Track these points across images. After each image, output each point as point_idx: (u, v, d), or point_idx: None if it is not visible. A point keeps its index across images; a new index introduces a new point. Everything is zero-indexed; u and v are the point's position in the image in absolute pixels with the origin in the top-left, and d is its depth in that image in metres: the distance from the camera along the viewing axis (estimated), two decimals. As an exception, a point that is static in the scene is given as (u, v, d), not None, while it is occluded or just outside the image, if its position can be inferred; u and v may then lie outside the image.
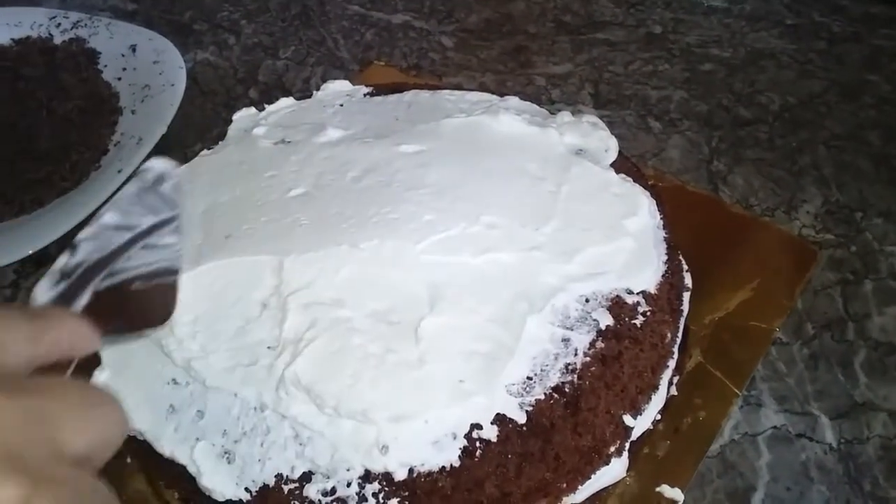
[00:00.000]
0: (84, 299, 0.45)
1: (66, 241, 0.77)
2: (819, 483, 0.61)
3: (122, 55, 1.00)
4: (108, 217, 0.49)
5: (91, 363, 0.56)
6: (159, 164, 0.52)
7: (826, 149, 0.88)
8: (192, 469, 0.51)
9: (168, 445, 0.52)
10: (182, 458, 0.51)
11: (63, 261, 0.45)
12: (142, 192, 0.52)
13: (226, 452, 0.51)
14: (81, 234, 0.47)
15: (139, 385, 0.54)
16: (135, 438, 0.54)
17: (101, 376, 0.55)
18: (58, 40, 1.05)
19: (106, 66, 1.01)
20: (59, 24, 1.06)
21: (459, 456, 0.49)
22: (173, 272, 0.50)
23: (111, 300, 0.46)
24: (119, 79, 0.98)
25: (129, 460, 0.60)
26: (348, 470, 0.49)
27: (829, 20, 1.07)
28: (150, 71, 0.96)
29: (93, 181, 0.84)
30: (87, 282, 0.46)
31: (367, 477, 0.49)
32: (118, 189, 0.79)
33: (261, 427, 0.50)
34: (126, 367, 0.56)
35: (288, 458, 0.50)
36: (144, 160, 0.83)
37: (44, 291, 0.44)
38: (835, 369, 0.68)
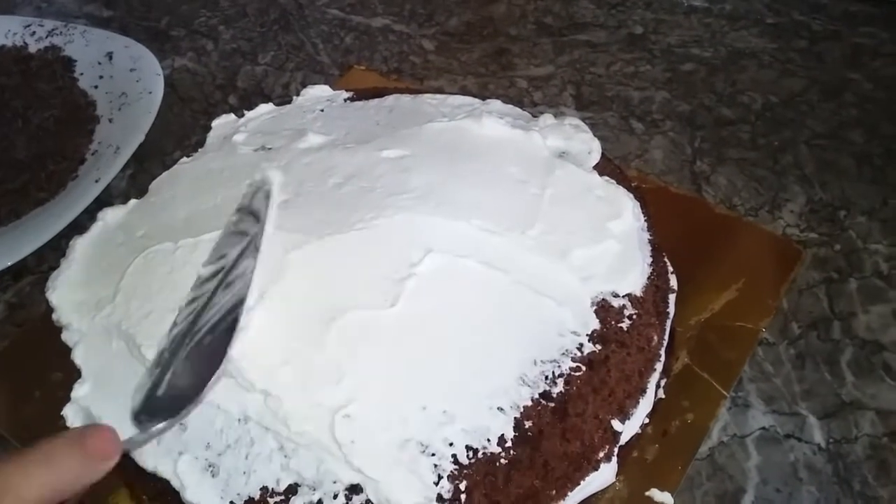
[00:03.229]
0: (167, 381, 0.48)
1: (44, 252, 0.77)
2: (808, 483, 0.61)
3: (99, 63, 0.99)
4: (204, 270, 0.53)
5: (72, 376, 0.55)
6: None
7: (808, 148, 0.88)
8: (175, 483, 0.50)
9: (151, 459, 0.51)
10: (165, 471, 0.50)
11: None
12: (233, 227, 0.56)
13: (210, 465, 0.50)
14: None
15: (120, 398, 0.53)
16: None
17: (81, 389, 0.54)
18: (33, 49, 1.04)
19: (82, 74, 1.00)
20: (34, 33, 1.05)
21: (447, 465, 0.49)
22: (237, 309, 0.50)
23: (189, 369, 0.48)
24: (96, 87, 0.97)
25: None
26: (334, 482, 0.48)
27: (809, 19, 1.08)
28: (127, 78, 0.95)
29: (70, 191, 0.83)
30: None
31: (354, 489, 0.48)
32: (96, 199, 0.78)
33: (245, 439, 0.50)
34: (107, 380, 0.55)
35: (273, 470, 0.49)
36: (122, 169, 0.82)
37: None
38: (822, 368, 0.67)
